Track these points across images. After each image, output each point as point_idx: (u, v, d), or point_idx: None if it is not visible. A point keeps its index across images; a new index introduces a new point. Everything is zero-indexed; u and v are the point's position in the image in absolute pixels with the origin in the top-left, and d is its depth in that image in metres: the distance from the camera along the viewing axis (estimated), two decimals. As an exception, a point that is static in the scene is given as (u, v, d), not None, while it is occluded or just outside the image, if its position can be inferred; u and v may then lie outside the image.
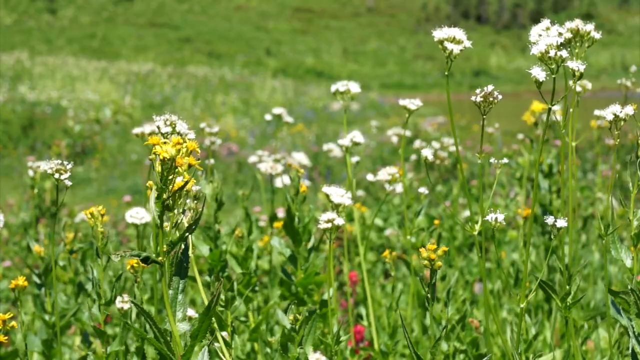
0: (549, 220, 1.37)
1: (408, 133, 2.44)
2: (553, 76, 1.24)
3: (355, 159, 2.47)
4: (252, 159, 3.10)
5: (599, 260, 3.27)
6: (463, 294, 2.85)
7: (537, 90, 1.30)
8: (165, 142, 1.13)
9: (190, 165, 1.15)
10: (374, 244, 4.02)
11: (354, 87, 2.33)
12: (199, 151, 1.18)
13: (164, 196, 1.14)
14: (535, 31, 1.30)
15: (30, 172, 3.13)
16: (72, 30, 41.01)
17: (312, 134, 13.96)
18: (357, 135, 2.38)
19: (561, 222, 1.37)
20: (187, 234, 1.18)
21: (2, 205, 5.22)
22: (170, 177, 1.14)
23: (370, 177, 2.49)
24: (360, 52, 42.93)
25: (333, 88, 2.35)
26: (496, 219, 1.39)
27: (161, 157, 1.12)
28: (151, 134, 1.51)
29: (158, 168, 1.13)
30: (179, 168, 1.13)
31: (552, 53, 1.23)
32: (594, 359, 2.47)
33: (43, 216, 3.73)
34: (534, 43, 1.28)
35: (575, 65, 1.23)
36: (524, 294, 1.44)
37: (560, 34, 1.29)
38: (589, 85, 2.22)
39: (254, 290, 2.32)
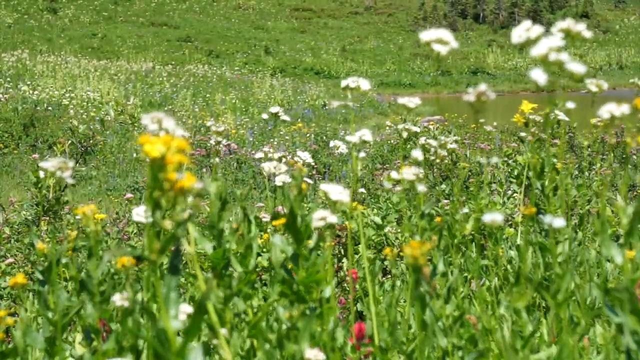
0: (546, 219, 1.39)
1: (408, 129, 2.46)
2: (553, 80, 1.25)
3: (362, 154, 2.49)
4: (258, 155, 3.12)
5: (596, 257, 3.29)
6: (462, 290, 2.88)
7: (533, 89, 1.32)
8: (154, 141, 1.14)
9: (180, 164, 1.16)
10: (372, 241, 4.05)
11: (364, 84, 2.34)
12: (189, 149, 1.19)
13: (155, 195, 1.16)
14: (516, 33, 1.32)
15: (41, 174, 3.15)
16: (73, 30, 41.03)
17: (311, 132, 13.98)
18: (366, 134, 2.39)
19: (559, 222, 1.38)
20: (178, 232, 1.19)
21: (4, 203, 5.24)
22: (160, 175, 1.15)
23: (394, 174, 2.44)
24: (359, 50, 42.97)
25: (343, 83, 2.34)
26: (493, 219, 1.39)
27: (151, 156, 1.13)
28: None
29: (148, 166, 1.14)
30: (169, 166, 1.14)
31: (552, 56, 1.24)
32: (590, 355, 2.50)
33: (46, 214, 3.76)
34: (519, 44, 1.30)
35: (576, 67, 1.24)
36: (521, 293, 1.47)
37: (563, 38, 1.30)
38: (605, 85, 2.23)
39: (254, 287, 2.34)
